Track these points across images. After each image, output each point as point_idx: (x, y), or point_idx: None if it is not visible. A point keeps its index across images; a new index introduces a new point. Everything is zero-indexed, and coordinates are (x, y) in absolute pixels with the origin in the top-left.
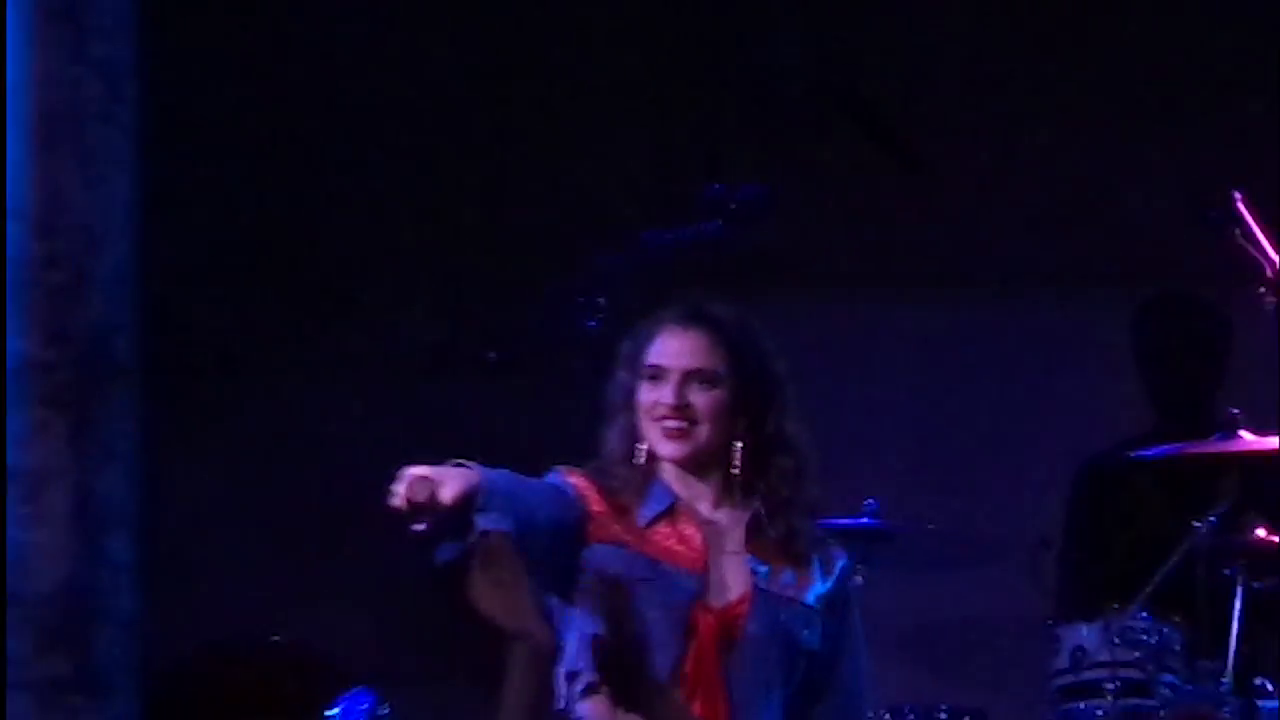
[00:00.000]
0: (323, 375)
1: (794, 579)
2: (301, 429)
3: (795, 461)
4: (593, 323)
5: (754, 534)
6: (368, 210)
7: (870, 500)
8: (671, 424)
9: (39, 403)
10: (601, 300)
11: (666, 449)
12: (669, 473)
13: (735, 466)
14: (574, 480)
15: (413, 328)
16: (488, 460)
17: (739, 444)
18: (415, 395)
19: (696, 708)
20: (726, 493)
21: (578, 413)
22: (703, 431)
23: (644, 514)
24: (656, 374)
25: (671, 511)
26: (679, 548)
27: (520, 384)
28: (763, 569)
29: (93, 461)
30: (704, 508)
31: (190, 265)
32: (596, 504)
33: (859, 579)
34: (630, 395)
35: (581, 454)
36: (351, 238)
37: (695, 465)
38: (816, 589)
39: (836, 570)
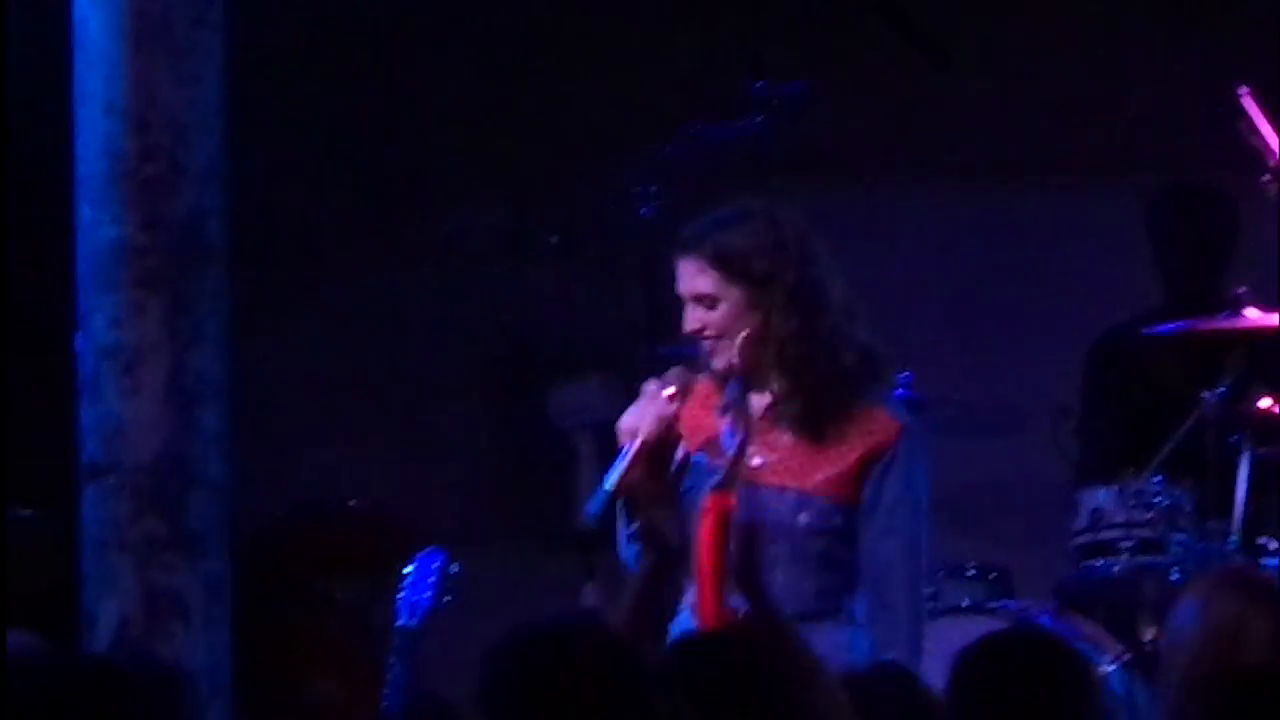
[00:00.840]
0: (399, 258)
1: (806, 461)
2: (379, 308)
3: (810, 344)
4: (647, 210)
5: (769, 419)
6: (441, 107)
7: (905, 373)
8: (704, 344)
9: (135, 285)
10: (655, 189)
11: (713, 362)
12: None
13: (734, 360)
14: (672, 382)
15: (482, 214)
16: (556, 334)
17: (743, 334)
18: (485, 276)
19: (706, 590)
20: (777, 379)
21: (633, 292)
22: (725, 344)
23: (721, 402)
24: (682, 301)
25: (735, 402)
26: (724, 439)
27: (581, 265)
28: (760, 459)
29: (185, 339)
30: (759, 398)
31: (276, 158)
32: (684, 414)
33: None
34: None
35: (636, 330)
36: (425, 133)
37: (742, 367)
38: (835, 465)
39: (878, 437)
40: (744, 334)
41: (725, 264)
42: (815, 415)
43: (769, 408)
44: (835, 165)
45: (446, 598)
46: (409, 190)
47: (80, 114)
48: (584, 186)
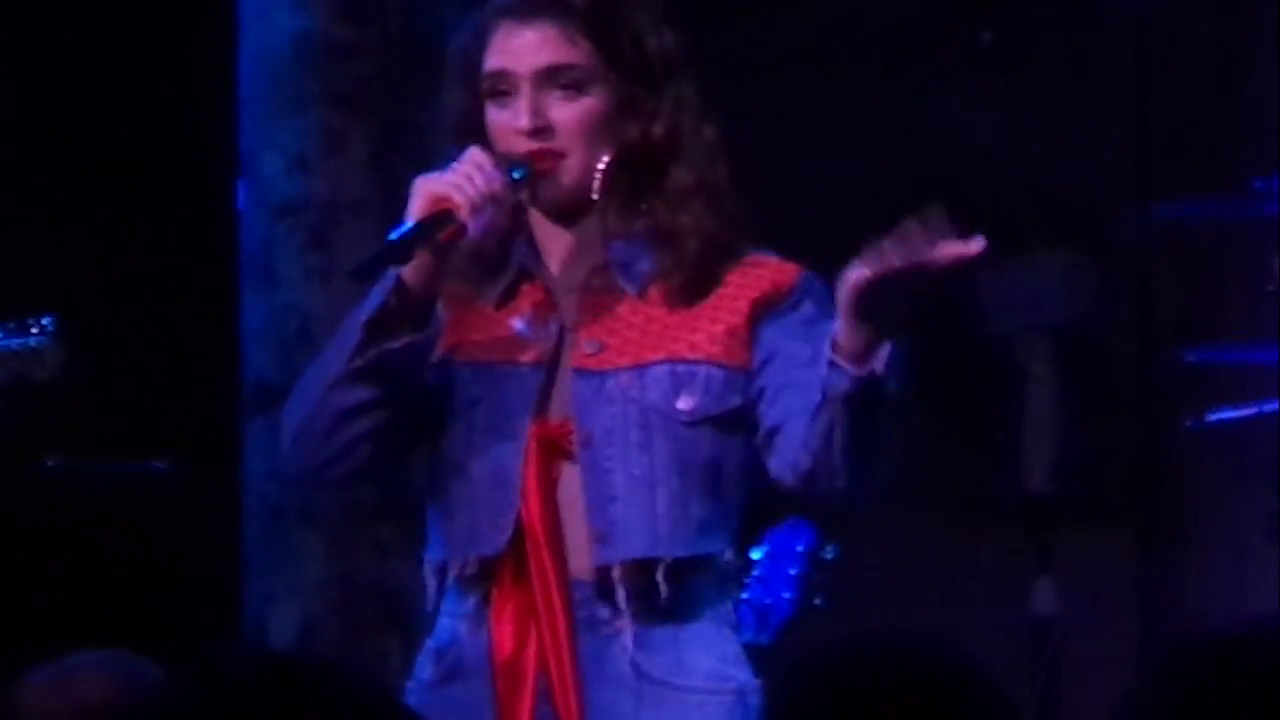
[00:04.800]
0: (754, 66)
1: (669, 327)
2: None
3: (697, 173)
4: None
5: (603, 284)
6: None
7: None
8: (530, 156)
9: (332, 105)
10: None
11: (543, 185)
12: (534, 220)
13: (595, 193)
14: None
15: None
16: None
17: (604, 160)
18: (874, 93)
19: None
20: (606, 235)
21: (1116, 119)
22: (575, 161)
23: (497, 289)
24: (499, 84)
25: (526, 276)
26: (529, 332)
27: (1027, 80)
28: (591, 344)
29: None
30: (571, 266)
31: None
32: (449, 301)
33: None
34: (472, 120)
35: (1118, 183)
36: None
37: (571, 207)
38: (719, 319)
39: (769, 280)
40: (607, 157)
41: (607, 32)
42: (694, 283)
43: (598, 270)
44: None
45: (818, 599)
46: None
47: None
48: None
